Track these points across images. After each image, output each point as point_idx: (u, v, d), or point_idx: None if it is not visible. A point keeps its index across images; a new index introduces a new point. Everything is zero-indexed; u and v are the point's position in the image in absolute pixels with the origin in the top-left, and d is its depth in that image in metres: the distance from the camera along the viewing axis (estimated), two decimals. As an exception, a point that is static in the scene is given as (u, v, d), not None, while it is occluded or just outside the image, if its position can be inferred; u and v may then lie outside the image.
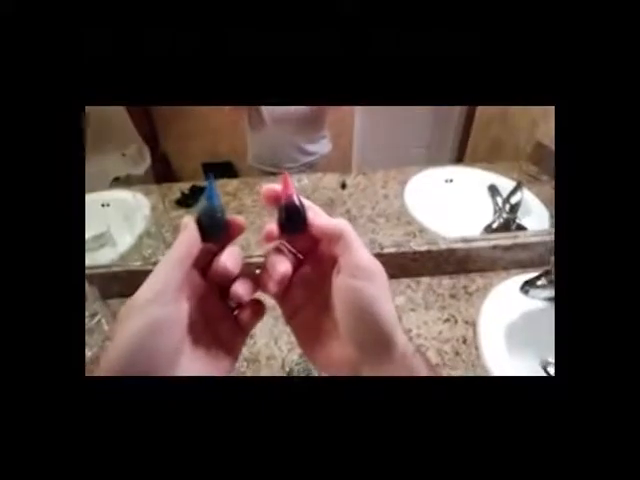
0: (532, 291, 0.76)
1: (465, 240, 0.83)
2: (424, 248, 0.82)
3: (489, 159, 1.22)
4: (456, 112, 1.67)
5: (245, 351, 0.74)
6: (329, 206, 1.03)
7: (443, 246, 0.82)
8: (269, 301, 0.28)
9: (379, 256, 0.94)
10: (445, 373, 0.68)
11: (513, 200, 0.91)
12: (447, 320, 0.77)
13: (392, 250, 0.82)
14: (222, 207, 0.25)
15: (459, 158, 1.57)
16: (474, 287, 0.84)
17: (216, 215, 0.25)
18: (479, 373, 0.67)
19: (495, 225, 0.91)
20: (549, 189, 0.99)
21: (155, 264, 0.23)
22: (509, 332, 0.71)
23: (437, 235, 0.87)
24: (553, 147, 1.02)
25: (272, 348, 0.74)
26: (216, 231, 0.25)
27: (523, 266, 0.86)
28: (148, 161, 1.21)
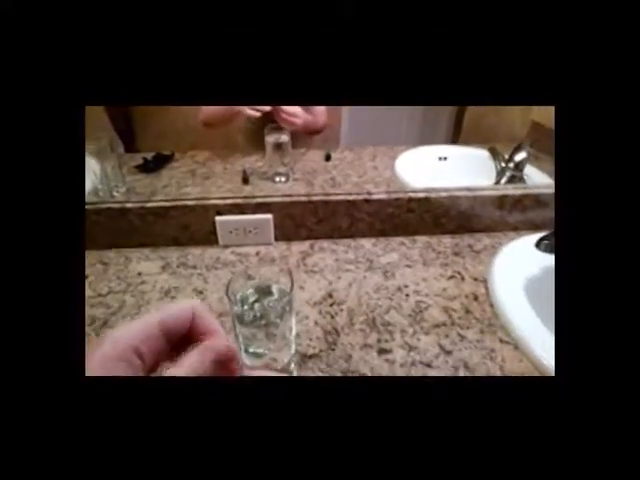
0: (550, 246, 0.62)
1: (470, 189, 0.70)
2: (422, 195, 0.69)
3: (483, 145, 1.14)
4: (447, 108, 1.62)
5: (191, 306, 0.56)
6: (311, 174, 0.90)
7: (444, 194, 0.69)
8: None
9: (367, 203, 0.75)
10: (455, 333, 0.51)
11: (517, 157, 0.81)
12: (452, 277, 0.62)
13: (383, 196, 0.68)
14: None
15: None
16: (480, 246, 0.69)
17: None
18: (498, 334, 0.51)
19: (501, 183, 0.79)
20: (550, 165, 0.90)
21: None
22: (529, 290, 0.57)
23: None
24: (548, 125, 0.95)
25: (226, 304, 0.56)
26: None
27: (536, 227, 0.73)
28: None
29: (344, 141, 1.20)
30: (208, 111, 0.92)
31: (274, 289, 0.43)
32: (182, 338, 0.21)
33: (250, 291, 0.42)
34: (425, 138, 1.29)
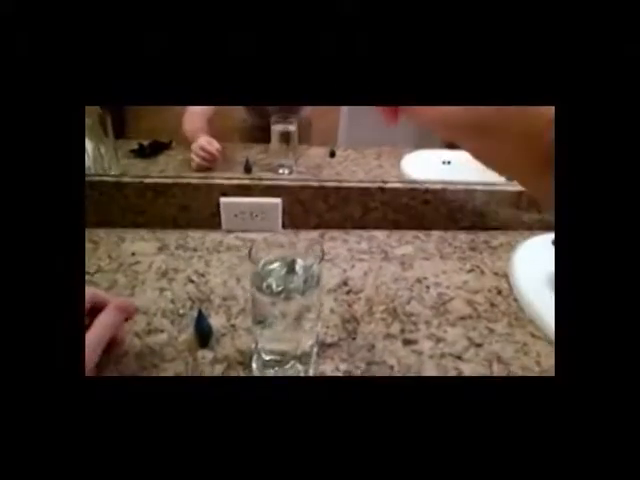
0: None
1: (486, 184, 0.68)
2: (438, 186, 0.66)
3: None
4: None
5: (192, 288, 0.50)
6: (316, 169, 0.86)
7: (461, 187, 0.66)
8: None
9: (382, 191, 0.69)
10: (482, 326, 0.48)
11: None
12: (472, 270, 0.58)
13: (398, 185, 0.65)
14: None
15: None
16: (497, 242, 0.67)
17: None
18: (528, 328, 0.48)
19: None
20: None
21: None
22: (552, 284, 0.54)
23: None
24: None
25: (232, 288, 0.51)
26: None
27: (552, 228, 0.71)
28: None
29: (341, 140, 1.17)
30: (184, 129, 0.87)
31: (299, 264, 0.38)
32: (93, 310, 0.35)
33: (275, 265, 0.37)
34: (424, 142, 1.28)
